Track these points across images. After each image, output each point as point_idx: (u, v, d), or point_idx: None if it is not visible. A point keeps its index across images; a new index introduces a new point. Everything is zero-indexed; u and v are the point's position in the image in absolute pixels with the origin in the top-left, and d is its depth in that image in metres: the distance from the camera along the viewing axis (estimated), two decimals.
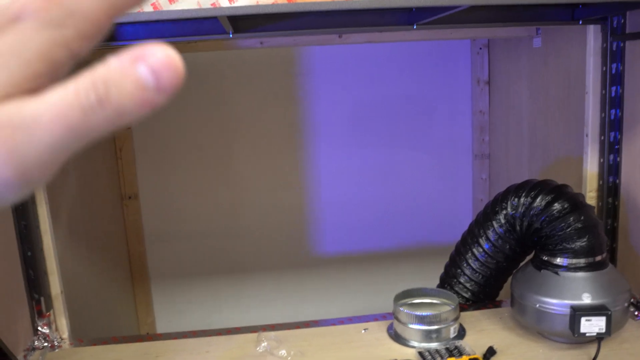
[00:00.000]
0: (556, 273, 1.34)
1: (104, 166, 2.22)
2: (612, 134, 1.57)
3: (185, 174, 2.39)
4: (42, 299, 1.50)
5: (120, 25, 1.41)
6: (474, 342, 1.37)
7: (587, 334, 1.27)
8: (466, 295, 1.58)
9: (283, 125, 2.40)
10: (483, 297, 1.59)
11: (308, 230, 2.51)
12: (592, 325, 1.26)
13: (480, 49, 2.40)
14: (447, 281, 1.62)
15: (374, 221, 2.51)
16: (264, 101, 2.37)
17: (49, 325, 1.50)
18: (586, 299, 1.29)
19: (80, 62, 0.25)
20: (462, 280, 1.57)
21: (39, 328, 1.48)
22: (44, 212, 1.49)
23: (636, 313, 1.45)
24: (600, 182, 1.61)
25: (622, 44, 1.50)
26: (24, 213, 1.45)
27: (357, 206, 2.49)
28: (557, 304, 1.31)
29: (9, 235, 1.42)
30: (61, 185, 1.72)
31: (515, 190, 1.45)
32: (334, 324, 1.52)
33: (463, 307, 1.55)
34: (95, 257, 2.01)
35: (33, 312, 1.48)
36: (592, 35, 1.54)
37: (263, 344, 1.38)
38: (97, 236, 2.05)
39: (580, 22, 1.50)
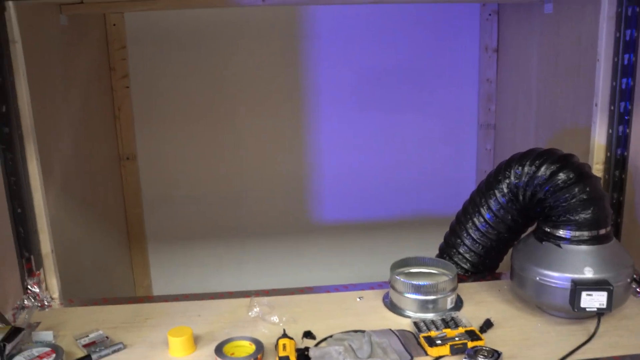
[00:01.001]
0: (558, 245, 1.30)
1: (102, 125, 2.18)
2: (623, 104, 1.51)
3: (185, 136, 2.34)
4: (32, 257, 1.47)
5: None
6: (471, 314, 1.34)
7: (587, 309, 1.23)
8: (465, 267, 1.55)
9: (285, 89, 2.35)
10: (482, 268, 1.55)
11: (308, 197, 2.47)
12: (593, 300, 1.23)
13: (490, 15, 2.32)
14: (446, 251, 1.58)
15: (375, 189, 2.47)
16: (266, 63, 2.31)
17: (38, 284, 1.47)
18: (588, 273, 1.25)
19: None
20: (461, 250, 1.54)
21: (29, 287, 1.46)
22: (34, 168, 1.45)
23: (638, 290, 1.42)
24: (608, 154, 1.56)
25: (637, 9, 1.44)
26: (13, 169, 1.41)
27: (358, 174, 2.45)
28: (557, 277, 1.27)
29: None
30: (54, 141, 1.68)
31: (520, 158, 1.40)
32: (328, 291, 1.49)
33: (461, 279, 1.51)
34: (90, 218, 1.98)
35: (23, 271, 1.46)
36: (607, 0, 1.47)
37: (255, 309, 1.35)
38: (93, 197, 2.02)
39: None
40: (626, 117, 1.52)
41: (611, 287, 1.22)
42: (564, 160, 1.35)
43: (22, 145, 1.44)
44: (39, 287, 1.47)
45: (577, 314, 1.27)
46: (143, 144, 2.32)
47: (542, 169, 1.35)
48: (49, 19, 1.70)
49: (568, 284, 1.25)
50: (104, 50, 2.19)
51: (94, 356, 1.19)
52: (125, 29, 2.20)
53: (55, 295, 1.52)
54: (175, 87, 2.29)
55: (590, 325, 1.26)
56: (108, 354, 1.21)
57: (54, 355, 1.16)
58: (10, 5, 1.37)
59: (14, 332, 1.22)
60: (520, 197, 1.41)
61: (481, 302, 1.41)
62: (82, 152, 1.92)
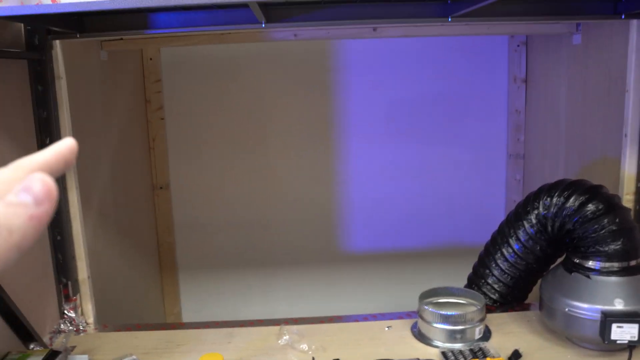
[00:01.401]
0: (587, 276, 1.30)
1: (137, 155, 2.24)
2: None
3: (217, 165, 2.40)
4: (69, 283, 1.52)
5: (154, 12, 1.42)
6: (500, 345, 1.33)
7: (618, 342, 1.22)
8: (494, 297, 1.55)
9: (316, 119, 2.39)
10: (511, 299, 1.55)
11: (338, 226, 2.49)
12: (624, 333, 1.22)
13: (518, 46, 2.34)
14: (474, 282, 1.58)
15: (404, 219, 2.48)
16: (297, 95, 2.36)
17: (75, 309, 1.52)
18: (618, 305, 1.24)
19: None
20: (490, 281, 1.54)
21: (65, 312, 1.50)
22: (74, 198, 1.51)
23: None
24: (638, 185, 1.55)
25: None
26: None
27: (387, 204, 2.46)
28: (587, 309, 1.26)
29: None
30: (93, 172, 1.74)
31: (548, 189, 1.41)
32: (357, 320, 1.50)
33: (490, 309, 1.51)
34: (124, 245, 2.03)
35: (60, 296, 1.50)
36: (635, 30, 1.49)
37: (285, 337, 1.37)
38: (127, 225, 2.07)
39: (623, 17, 1.45)
40: None
41: None
42: (593, 191, 1.35)
43: (63, 175, 1.50)
44: (75, 312, 1.52)
45: (608, 347, 1.26)
46: (176, 173, 2.38)
47: (571, 200, 1.36)
48: (90, 55, 1.78)
49: (598, 316, 1.24)
50: (140, 83, 2.27)
51: None
52: (160, 63, 2.28)
53: (90, 320, 1.57)
54: (208, 118, 2.35)
55: (621, 358, 1.25)
56: None
57: None
58: (57, 44, 1.44)
59: (52, 355, 1.26)
60: (549, 228, 1.41)
61: (509, 333, 1.41)
62: (118, 182, 1.98)
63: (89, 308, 1.57)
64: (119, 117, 2.03)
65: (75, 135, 1.52)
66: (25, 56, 1.38)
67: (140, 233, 2.25)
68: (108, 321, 1.65)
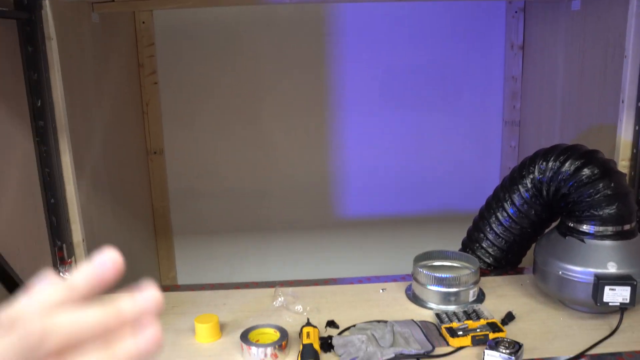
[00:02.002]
0: (582, 240, 1.31)
1: (131, 121, 2.22)
2: None
3: (212, 131, 2.38)
4: (64, 246, 1.51)
5: None
6: (493, 307, 1.35)
7: (610, 304, 1.23)
8: (488, 261, 1.56)
9: (312, 85, 2.37)
10: (505, 263, 1.56)
11: (333, 193, 2.49)
12: (616, 295, 1.23)
13: (516, 12, 2.32)
14: (469, 246, 1.59)
15: (399, 186, 2.48)
16: (292, 60, 2.33)
17: (70, 272, 1.52)
18: (611, 268, 1.25)
19: None
20: (484, 245, 1.55)
21: (61, 274, 1.50)
22: (67, 160, 1.50)
23: None
24: (634, 151, 1.55)
25: None
26: (48, 161, 1.46)
27: (383, 171, 2.46)
28: (581, 272, 1.27)
29: (33, 183, 1.44)
30: (86, 135, 1.73)
31: (544, 154, 1.41)
32: (352, 283, 1.51)
33: (484, 273, 1.52)
34: (118, 210, 2.02)
35: (55, 259, 1.50)
36: None
37: (280, 299, 1.37)
38: (121, 190, 2.06)
39: None
40: None
41: (635, 282, 1.22)
42: (588, 156, 1.35)
43: (56, 138, 1.48)
44: (71, 275, 1.52)
45: (600, 309, 1.27)
46: (170, 138, 2.37)
47: (567, 164, 1.36)
48: (81, 17, 1.75)
49: (591, 279, 1.25)
50: (133, 47, 2.24)
51: None
52: (153, 26, 2.24)
53: None
54: (202, 83, 2.33)
55: (613, 320, 1.26)
56: None
57: None
58: (47, 4, 1.41)
59: None
60: (544, 193, 1.42)
61: (503, 296, 1.42)
62: (112, 146, 1.97)
63: None
64: (111, 81, 2.00)
65: (67, 97, 1.50)
66: (13, 15, 1.36)
67: (134, 198, 2.24)
68: None
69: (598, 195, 1.29)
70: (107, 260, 0.35)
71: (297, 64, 2.33)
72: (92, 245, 1.63)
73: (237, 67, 2.32)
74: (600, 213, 1.29)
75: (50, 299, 0.33)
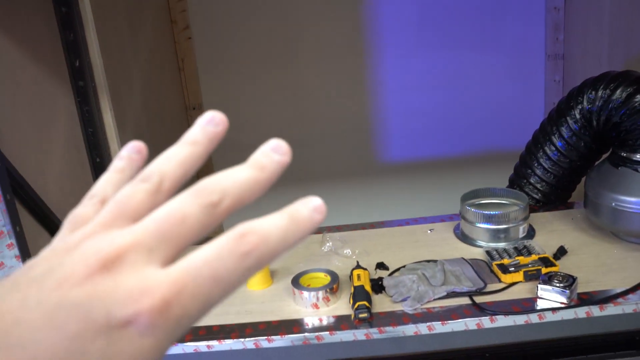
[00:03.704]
0: (636, 170, 1.26)
1: (167, 77, 2.23)
2: None
3: (249, 83, 2.37)
4: None
5: None
6: (544, 243, 1.32)
7: None
8: (536, 197, 1.52)
9: (347, 30, 2.32)
10: (554, 198, 1.53)
11: (374, 138, 2.47)
12: None
13: None
14: (516, 182, 1.56)
15: (441, 127, 2.43)
16: (326, 5, 2.28)
17: None
18: None
19: None
20: (532, 180, 1.51)
21: None
22: (109, 119, 1.52)
23: None
24: None
25: None
26: (90, 120, 1.48)
27: (424, 111, 2.41)
28: (635, 202, 1.24)
29: (78, 142, 1.46)
30: (125, 94, 1.74)
31: (593, 83, 1.36)
32: (399, 225, 1.50)
33: (533, 209, 1.49)
34: None
35: None
36: None
37: (328, 244, 1.38)
38: (163, 146, 2.06)
39: None
40: None
41: None
42: None
43: (97, 97, 1.50)
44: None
45: None
46: (208, 93, 2.36)
47: (618, 92, 1.30)
48: None
49: None
50: (165, 3, 2.22)
51: None
52: None
53: None
54: (236, 35, 2.30)
55: None
56: None
57: None
58: None
59: None
60: (594, 123, 1.37)
61: (554, 231, 1.39)
62: (151, 103, 1.98)
63: None
64: (146, 39, 2.00)
65: (104, 56, 1.50)
66: None
67: None
68: None
69: None
70: (215, 117, 0.33)
71: (330, 8, 2.28)
72: None
73: (270, 14, 2.28)
74: None
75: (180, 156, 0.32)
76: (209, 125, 0.33)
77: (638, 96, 1.27)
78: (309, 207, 0.30)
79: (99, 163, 1.51)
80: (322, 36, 2.31)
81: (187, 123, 2.37)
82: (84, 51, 1.45)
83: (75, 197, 1.40)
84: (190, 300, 0.25)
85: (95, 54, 1.47)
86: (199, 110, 2.36)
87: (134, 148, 0.35)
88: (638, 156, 1.26)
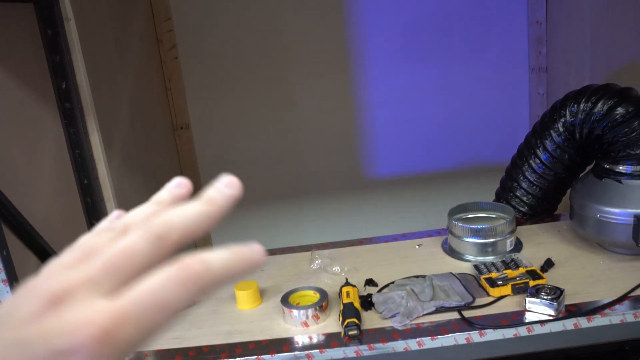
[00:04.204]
0: (619, 181, 1.28)
1: (155, 97, 2.23)
2: None
3: (236, 100, 2.38)
4: None
5: None
6: (532, 255, 1.33)
7: None
8: (523, 210, 1.54)
9: (333, 45, 2.34)
10: (541, 210, 1.54)
11: (362, 152, 2.48)
12: None
13: None
14: (503, 196, 1.57)
15: (427, 141, 2.45)
16: (312, 20, 2.30)
17: None
18: None
19: None
20: (518, 193, 1.53)
21: None
22: (96, 141, 1.51)
23: None
24: None
25: None
26: (77, 142, 1.48)
27: (410, 126, 2.43)
28: (619, 213, 1.25)
29: (66, 164, 1.46)
30: (112, 114, 1.74)
31: (575, 96, 1.38)
32: (387, 241, 1.51)
33: (520, 222, 1.51)
34: (150, 186, 2.05)
35: None
36: None
37: (317, 261, 1.38)
38: (151, 166, 2.09)
39: None
40: None
41: None
42: (621, 95, 1.31)
43: (83, 119, 1.50)
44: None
45: None
46: (196, 112, 2.37)
47: (599, 104, 1.32)
48: None
49: (631, 219, 1.23)
50: (151, 23, 2.23)
51: None
52: (169, 0, 2.23)
53: None
54: (222, 53, 2.32)
55: None
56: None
57: None
58: None
59: None
60: (577, 135, 1.39)
61: (541, 244, 1.41)
62: (139, 124, 1.98)
63: None
64: (132, 59, 2.00)
65: (90, 77, 1.50)
66: None
67: (165, 173, 2.26)
68: None
69: (634, 134, 1.26)
70: (181, 181, 0.37)
71: (316, 23, 2.30)
72: None
73: (256, 32, 2.29)
74: (637, 152, 1.26)
75: (148, 211, 0.35)
76: (175, 188, 0.37)
77: (619, 109, 1.29)
78: (250, 246, 0.32)
79: (86, 185, 1.51)
80: (309, 52, 2.33)
81: (175, 143, 2.37)
82: (70, 73, 1.45)
83: (63, 220, 1.40)
84: (134, 328, 0.27)
85: (82, 75, 1.48)
86: (186, 129, 2.36)
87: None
88: (621, 168, 1.28)
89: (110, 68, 1.78)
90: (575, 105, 1.37)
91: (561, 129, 1.41)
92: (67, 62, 1.43)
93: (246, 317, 1.23)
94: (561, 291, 1.13)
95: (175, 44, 2.28)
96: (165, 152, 2.30)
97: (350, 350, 1.09)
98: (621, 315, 1.10)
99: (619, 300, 1.14)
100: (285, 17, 2.28)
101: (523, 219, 1.53)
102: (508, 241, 1.36)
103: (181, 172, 2.42)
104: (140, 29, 2.14)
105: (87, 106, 1.49)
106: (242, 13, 2.26)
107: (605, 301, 1.14)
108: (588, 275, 1.25)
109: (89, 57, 1.52)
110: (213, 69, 2.33)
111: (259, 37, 2.30)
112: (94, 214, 1.52)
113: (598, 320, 1.11)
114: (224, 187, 0.35)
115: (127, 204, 1.67)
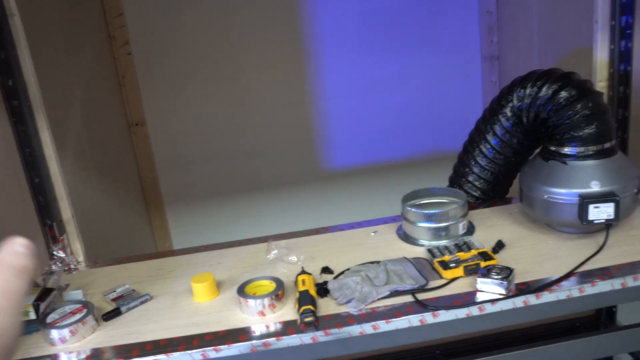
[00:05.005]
0: (564, 163, 1.32)
1: (108, 94, 2.20)
2: (624, 19, 1.50)
3: (192, 96, 2.36)
4: (54, 224, 1.52)
5: None
6: (484, 238, 1.37)
7: (595, 222, 1.26)
8: (476, 194, 1.57)
9: (287, 37, 2.34)
10: (493, 195, 1.58)
11: (318, 145, 2.49)
12: (601, 212, 1.25)
13: None
14: (456, 181, 1.60)
15: (383, 131, 2.48)
16: (266, 15, 2.30)
17: (63, 249, 1.52)
18: (595, 187, 1.27)
19: None
20: (470, 179, 1.56)
21: (55, 252, 1.51)
22: (46, 138, 1.49)
23: None
24: (611, 70, 1.55)
25: None
26: (27, 140, 1.45)
27: (365, 117, 2.46)
28: (565, 194, 1.29)
29: (14, 162, 1.43)
30: (64, 112, 1.71)
31: (521, 81, 1.41)
32: (343, 230, 1.53)
33: (473, 206, 1.54)
34: (106, 183, 2.02)
35: (47, 238, 1.51)
36: None
37: (273, 252, 1.39)
38: (106, 163, 2.06)
39: None
40: (628, 31, 1.51)
41: (618, 198, 1.24)
42: (564, 79, 1.35)
43: (33, 116, 1.47)
44: (64, 252, 1.53)
45: (586, 228, 1.29)
46: (151, 108, 2.35)
47: (544, 89, 1.36)
48: None
49: (576, 199, 1.27)
50: (102, 19, 2.20)
51: (122, 308, 1.24)
52: None
53: (81, 258, 1.58)
54: (177, 49, 2.30)
55: (600, 237, 1.29)
56: (136, 305, 1.26)
57: (85, 310, 1.21)
58: None
59: (45, 292, 1.28)
60: (525, 119, 1.42)
61: (493, 226, 1.44)
62: (93, 120, 1.95)
63: (77, 247, 1.58)
64: (85, 55, 1.97)
65: (39, 74, 1.47)
66: None
67: (120, 171, 2.24)
68: (99, 259, 1.66)
69: (577, 116, 1.30)
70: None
71: (269, 17, 2.30)
72: (83, 221, 1.63)
73: (210, 28, 2.28)
74: (580, 134, 1.30)
75: None
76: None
77: (562, 92, 1.33)
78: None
79: (37, 183, 1.48)
80: (263, 46, 2.32)
81: (131, 140, 2.35)
82: (16, 70, 1.42)
83: (12, 218, 1.37)
84: None
85: (29, 72, 1.45)
86: (142, 126, 2.34)
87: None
88: (566, 149, 1.32)
89: (60, 64, 1.75)
90: (522, 90, 1.40)
91: (509, 114, 1.44)
92: (12, 59, 1.41)
93: (203, 309, 1.23)
94: (511, 270, 1.16)
95: (128, 40, 2.25)
96: (121, 149, 2.27)
97: (307, 337, 1.10)
98: (567, 290, 1.14)
99: (566, 276, 1.17)
100: (238, 9, 2.28)
101: (476, 204, 1.56)
102: (460, 225, 1.38)
103: (138, 169, 2.40)
104: (91, 25, 2.11)
105: (36, 103, 1.47)
106: (194, 7, 2.25)
107: (553, 278, 1.17)
108: (537, 254, 1.28)
109: (37, 53, 1.49)
110: (167, 65, 2.31)
111: (213, 31, 2.29)
112: (46, 213, 1.50)
113: (546, 297, 1.14)
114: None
115: (81, 202, 1.65)
